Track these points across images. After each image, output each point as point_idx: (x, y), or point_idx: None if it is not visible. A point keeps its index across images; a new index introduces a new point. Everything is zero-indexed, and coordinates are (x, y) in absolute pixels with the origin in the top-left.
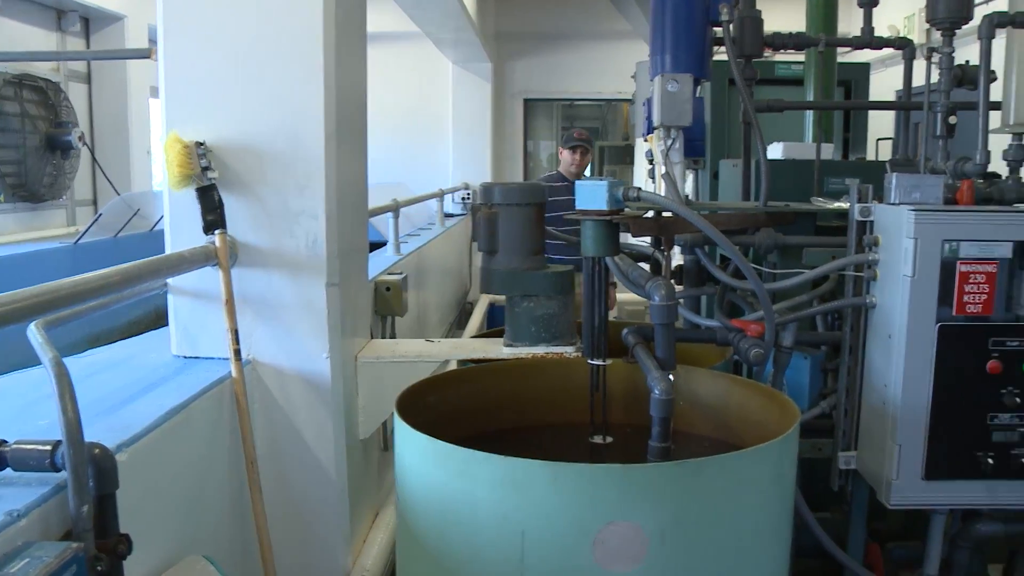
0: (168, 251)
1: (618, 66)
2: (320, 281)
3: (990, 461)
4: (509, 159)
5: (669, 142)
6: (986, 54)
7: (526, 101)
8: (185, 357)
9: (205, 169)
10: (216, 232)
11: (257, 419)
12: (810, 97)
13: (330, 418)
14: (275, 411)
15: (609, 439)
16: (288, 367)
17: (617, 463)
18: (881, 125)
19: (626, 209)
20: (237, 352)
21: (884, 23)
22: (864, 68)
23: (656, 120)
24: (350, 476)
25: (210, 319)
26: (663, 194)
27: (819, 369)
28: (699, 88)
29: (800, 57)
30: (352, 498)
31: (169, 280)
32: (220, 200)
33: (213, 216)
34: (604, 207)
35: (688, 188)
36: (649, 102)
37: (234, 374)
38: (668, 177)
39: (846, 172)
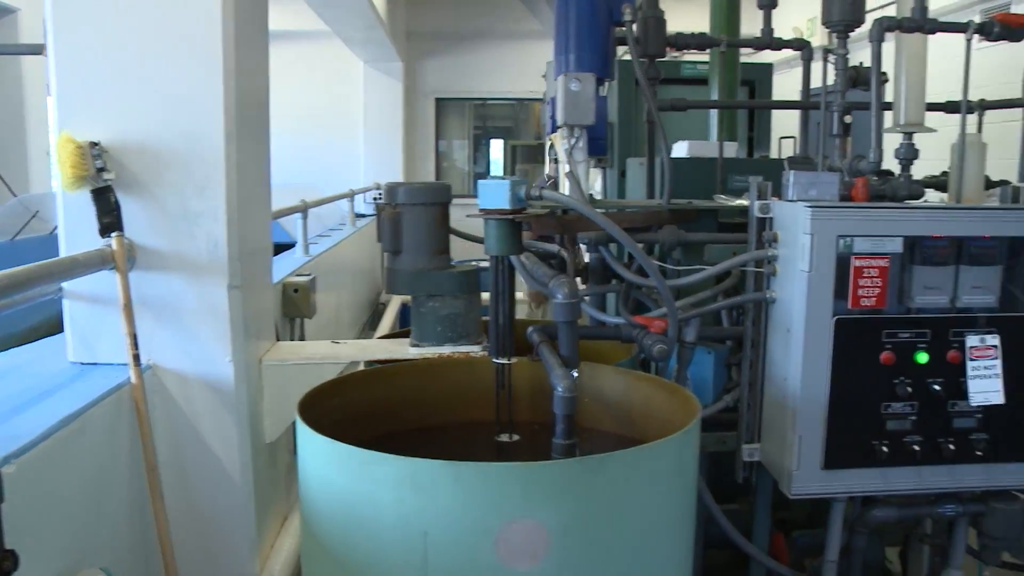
0: (62, 255)
1: (530, 66)
2: (222, 283)
3: (885, 449)
4: (422, 159)
5: (573, 141)
6: (876, 56)
7: (438, 100)
8: (82, 364)
9: (100, 170)
10: (112, 235)
11: (158, 425)
12: (714, 96)
13: (234, 423)
14: (177, 417)
15: (515, 437)
16: (190, 372)
17: (523, 461)
18: (785, 124)
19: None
20: (136, 357)
21: (788, 25)
22: (767, 68)
23: (559, 119)
24: (256, 481)
25: (108, 324)
26: (567, 192)
27: (723, 364)
28: (607, 87)
29: (705, 57)
30: (258, 503)
31: (64, 285)
32: (116, 202)
33: (109, 219)
34: (506, 206)
35: (597, 186)
36: (553, 101)
37: (133, 380)
38: (572, 176)
39: (749, 170)
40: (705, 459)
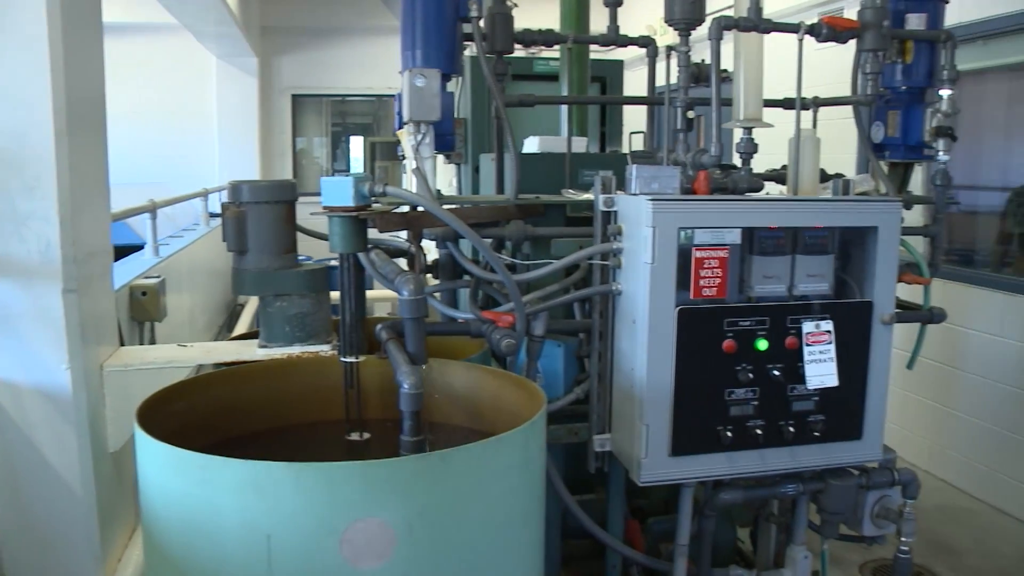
0: None
1: (388, 62)
2: (55, 288)
3: (729, 434)
4: (279, 156)
5: (419, 137)
6: (716, 54)
7: (295, 97)
8: None
9: None
10: None
11: None
12: (565, 93)
13: (73, 432)
14: (9, 429)
15: (366, 436)
16: (23, 381)
17: (372, 459)
18: (637, 119)
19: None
20: None
21: (643, 23)
22: (618, 65)
23: (405, 115)
24: (99, 492)
25: None
26: (414, 189)
27: (573, 356)
28: (464, 84)
29: (557, 54)
30: (102, 516)
31: None
32: None
33: None
34: (350, 203)
35: (452, 182)
36: (400, 97)
37: None
38: (418, 172)
39: (599, 165)
40: (560, 451)
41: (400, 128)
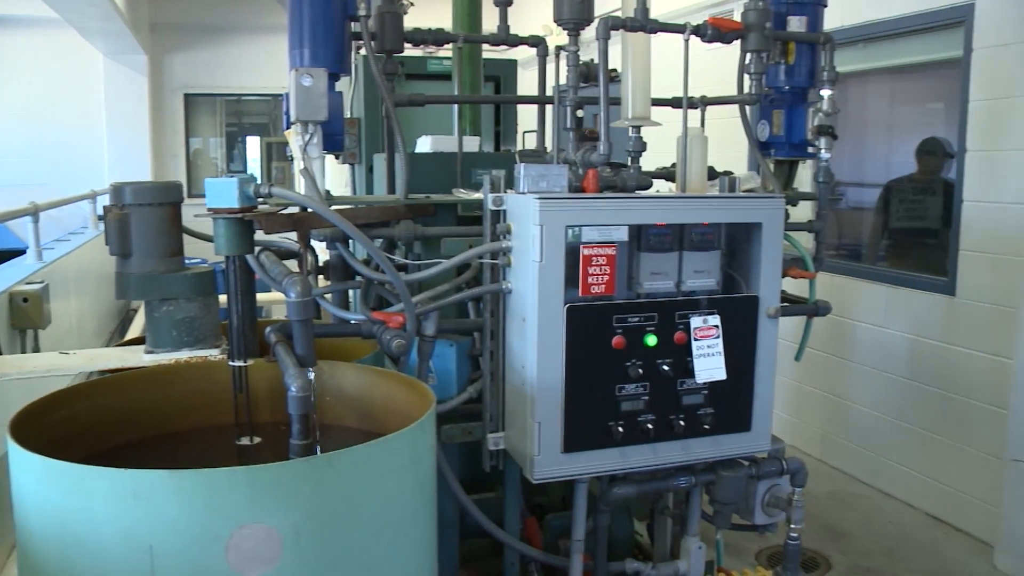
0: None
1: (284, 61)
2: None
3: (620, 429)
4: (172, 157)
5: (307, 137)
6: (603, 54)
7: (187, 96)
8: None
9: None
10: None
11: None
12: (457, 92)
13: None
14: None
15: (257, 440)
16: None
17: (261, 464)
18: (532, 119)
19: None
20: None
21: (539, 22)
22: (512, 65)
23: (292, 115)
24: None
25: None
26: (302, 189)
27: (466, 355)
28: (353, 83)
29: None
30: None
31: None
32: None
33: None
34: (235, 204)
35: (348, 182)
36: (287, 97)
37: None
38: (306, 172)
39: (492, 164)
40: (456, 450)
41: (288, 128)
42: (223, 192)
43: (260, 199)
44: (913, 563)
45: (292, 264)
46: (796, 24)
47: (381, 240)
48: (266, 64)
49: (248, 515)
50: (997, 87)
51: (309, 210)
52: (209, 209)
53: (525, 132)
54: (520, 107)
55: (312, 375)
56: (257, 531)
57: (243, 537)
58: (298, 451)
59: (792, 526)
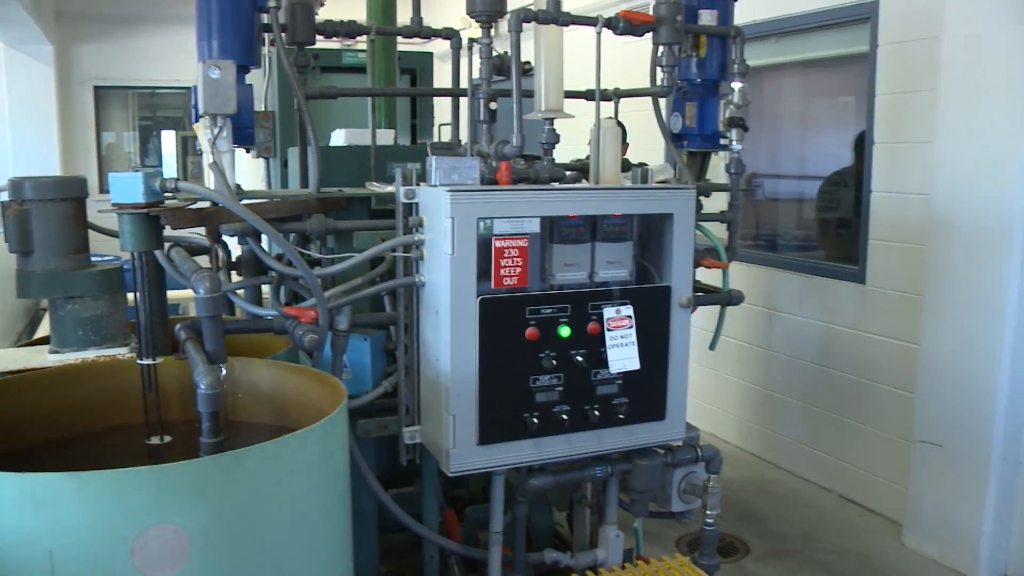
0: None
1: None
2: None
3: (535, 421)
4: (83, 152)
5: (216, 130)
6: (516, 46)
7: (97, 89)
8: None
9: None
10: None
11: None
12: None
13: None
14: None
15: (167, 439)
16: None
17: (171, 463)
18: (448, 111)
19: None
20: None
21: (457, 15)
22: (428, 57)
23: (200, 108)
24: None
25: None
26: (212, 184)
27: (381, 349)
28: (266, 75)
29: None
30: None
31: None
32: None
33: None
34: (140, 199)
35: (263, 177)
36: (195, 89)
37: None
38: (215, 166)
39: (407, 157)
40: (375, 444)
41: (197, 122)
42: (128, 187)
43: (167, 194)
44: (827, 544)
45: (205, 261)
46: (707, 18)
47: (293, 235)
48: (180, 56)
49: (154, 516)
50: (901, 81)
51: (218, 205)
52: (113, 204)
53: (441, 125)
54: (437, 100)
55: (223, 372)
56: (163, 532)
57: (149, 539)
58: (208, 449)
59: (708, 512)
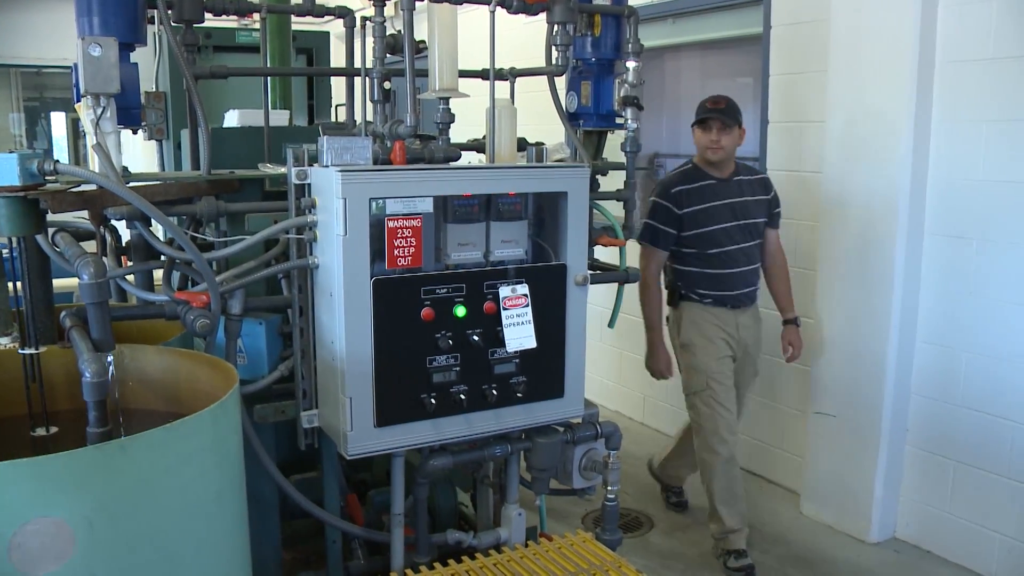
0: None
1: None
2: None
3: (433, 401)
4: None
5: (99, 111)
6: (408, 25)
7: None
8: None
9: None
10: None
11: None
12: (267, 65)
13: None
14: None
15: (54, 430)
16: None
17: (54, 454)
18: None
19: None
20: None
21: None
22: (324, 36)
23: (82, 87)
24: None
25: None
26: (96, 166)
27: (277, 333)
28: (156, 54)
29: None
30: None
31: None
32: None
33: None
34: (16, 182)
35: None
36: (76, 67)
37: None
38: (99, 148)
39: (304, 138)
40: (271, 431)
41: (79, 101)
42: (2, 169)
43: (47, 176)
44: None
45: (94, 246)
46: None
47: (184, 218)
48: (67, 33)
49: (35, 510)
50: (794, 62)
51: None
52: None
53: (338, 105)
54: (335, 80)
55: (111, 359)
56: (45, 526)
57: (29, 534)
58: (95, 439)
59: (609, 488)
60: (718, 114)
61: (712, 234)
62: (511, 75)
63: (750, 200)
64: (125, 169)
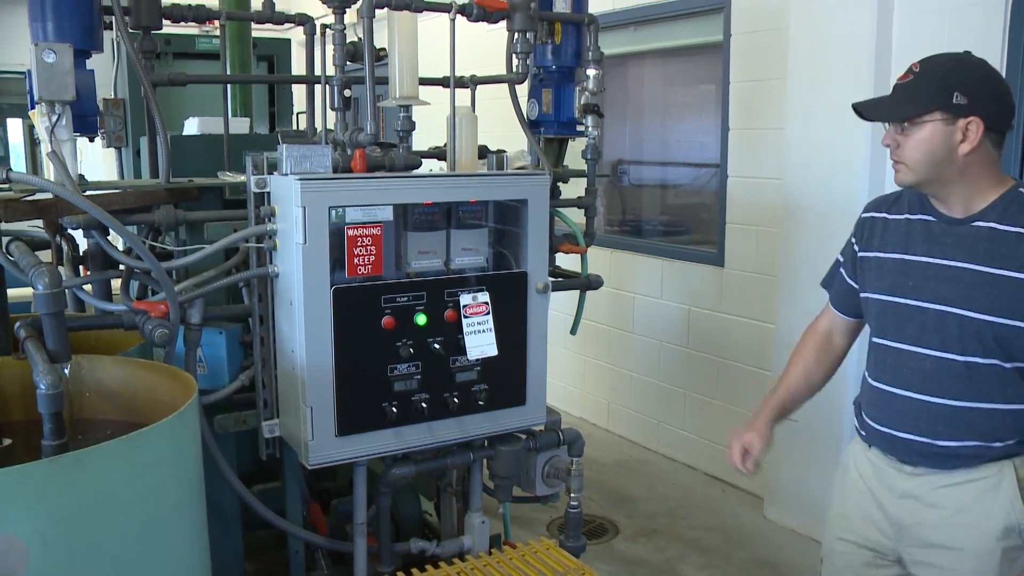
0: None
1: None
2: None
3: (394, 410)
4: None
5: (54, 118)
6: (368, 32)
7: None
8: None
9: None
10: None
11: None
12: (228, 72)
13: None
14: None
15: (7, 442)
16: None
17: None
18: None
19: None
20: None
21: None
22: (286, 44)
23: (36, 94)
24: None
25: None
26: (52, 174)
27: (237, 342)
28: (115, 61)
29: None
30: None
31: None
32: None
33: None
34: None
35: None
36: (30, 74)
37: None
38: (55, 156)
39: (264, 146)
40: (232, 441)
41: (33, 108)
42: None
43: (0, 184)
44: (693, 520)
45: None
46: (561, 5)
47: (143, 227)
48: (23, 36)
49: None
50: (754, 70)
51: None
52: None
53: (299, 113)
54: (296, 88)
55: (67, 370)
56: None
57: None
58: (50, 452)
59: (572, 495)
60: None
61: None
62: (472, 83)
63: None
64: (81, 177)
